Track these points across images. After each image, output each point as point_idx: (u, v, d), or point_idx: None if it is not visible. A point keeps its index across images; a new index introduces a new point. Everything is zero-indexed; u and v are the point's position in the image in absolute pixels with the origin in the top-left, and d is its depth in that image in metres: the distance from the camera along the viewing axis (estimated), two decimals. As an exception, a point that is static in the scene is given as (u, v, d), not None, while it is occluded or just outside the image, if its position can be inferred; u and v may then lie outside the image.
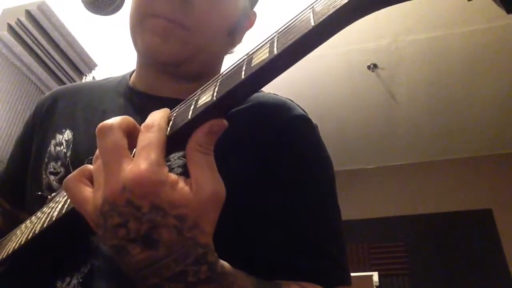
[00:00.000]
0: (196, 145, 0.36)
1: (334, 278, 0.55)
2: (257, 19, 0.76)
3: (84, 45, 2.30)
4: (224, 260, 0.39)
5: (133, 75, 0.73)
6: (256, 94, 0.66)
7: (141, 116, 0.69)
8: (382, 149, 4.29)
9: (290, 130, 0.62)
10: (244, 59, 0.38)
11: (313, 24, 0.33)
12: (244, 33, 0.74)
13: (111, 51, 2.70)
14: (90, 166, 0.39)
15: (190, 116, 0.36)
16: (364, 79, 3.41)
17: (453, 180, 4.20)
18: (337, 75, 3.40)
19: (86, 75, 2.34)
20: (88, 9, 0.58)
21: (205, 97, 0.37)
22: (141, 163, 0.34)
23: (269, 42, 0.36)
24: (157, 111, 0.39)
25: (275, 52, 0.34)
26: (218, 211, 0.36)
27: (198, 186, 0.35)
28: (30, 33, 2.02)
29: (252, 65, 0.35)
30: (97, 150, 0.37)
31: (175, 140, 0.37)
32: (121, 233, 0.34)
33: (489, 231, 3.87)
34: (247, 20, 0.73)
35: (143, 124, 0.37)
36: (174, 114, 0.39)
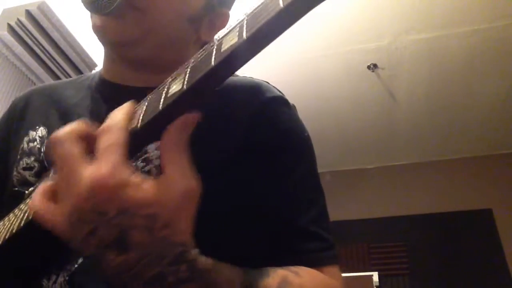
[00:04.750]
0: (168, 142, 0.35)
1: (322, 259, 0.55)
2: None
3: (84, 45, 2.30)
4: (209, 249, 0.39)
5: (102, 67, 0.73)
6: (231, 77, 0.65)
7: (110, 106, 0.68)
8: (382, 149, 4.29)
9: (267, 112, 0.61)
10: (214, 43, 0.36)
11: (281, 5, 0.31)
12: (214, 30, 0.71)
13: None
14: (49, 183, 0.38)
15: (161, 107, 0.35)
16: (364, 79, 3.41)
17: (453, 180, 4.20)
18: (337, 75, 3.40)
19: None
20: (88, 9, 0.58)
21: (176, 86, 0.36)
22: (101, 166, 0.33)
23: (238, 25, 0.35)
24: (118, 109, 0.39)
25: (244, 36, 0.33)
26: (193, 208, 0.36)
27: (170, 183, 0.34)
28: (30, 33, 2.02)
29: (221, 50, 0.34)
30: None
31: (147, 132, 0.36)
32: (93, 241, 0.34)
33: (489, 231, 3.86)
34: (216, 16, 0.70)
35: (101, 127, 0.37)
36: (146, 103, 0.38)
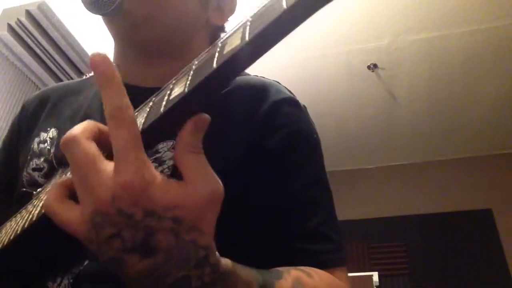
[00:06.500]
0: (185, 146, 0.34)
1: (330, 261, 0.55)
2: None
3: (84, 45, 2.30)
4: (221, 250, 0.38)
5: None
6: (241, 77, 0.64)
7: None
8: (382, 149, 4.29)
9: (277, 113, 0.61)
10: (218, 45, 0.36)
11: (284, 7, 0.30)
12: (222, 14, 0.69)
13: (111, 51, 2.70)
14: (65, 180, 0.37)
15: (163, 110, 0.35)
16: (364, 79, 3.41)
17: (453, 180, 4.20)
18: (337, 75, 3.40)
19: (86, 75, 2.34)
20: (88, 9, 0.58)
21: (178, 89, 0.35)
22: (123, 167, 0.31)
23: (242, 27, 0.34)
24: (119, 105, 0.36)
25: (247, 38, 0.32)
26: (217, 211, 0.35)
27: (194, 186, 0.33)
28: (30, 33, 2.02)
29: (224, 52, 0.33)
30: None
31: (149, 135, 0.35)
32: (116, 244, 0.33)
33: (489, 231, 3.86)
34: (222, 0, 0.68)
35: (108, 116, 0.34)
36: (149, 106, 0.38)
